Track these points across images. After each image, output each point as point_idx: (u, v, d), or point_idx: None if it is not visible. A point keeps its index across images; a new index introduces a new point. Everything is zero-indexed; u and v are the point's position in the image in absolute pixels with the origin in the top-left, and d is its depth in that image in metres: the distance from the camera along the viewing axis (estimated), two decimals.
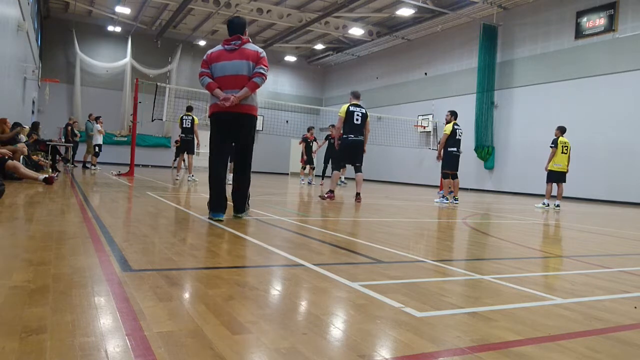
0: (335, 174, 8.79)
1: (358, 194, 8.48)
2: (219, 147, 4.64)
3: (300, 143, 15.73)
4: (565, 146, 10.22)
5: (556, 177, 10.29)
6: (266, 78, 4.57)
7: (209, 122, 4.78)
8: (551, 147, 10.26)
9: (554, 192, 10.40)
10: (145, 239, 3.30)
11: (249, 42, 4.60)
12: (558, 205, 10.11)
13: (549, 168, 10.31)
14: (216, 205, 4.55)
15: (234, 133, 4.64)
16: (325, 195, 8.47)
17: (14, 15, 11.59)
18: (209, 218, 4.56)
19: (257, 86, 4.50)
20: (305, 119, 23.18)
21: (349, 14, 20.31)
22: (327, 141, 15.15)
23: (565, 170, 10.29)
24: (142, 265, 2.48)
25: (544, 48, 16.23)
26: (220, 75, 4.53)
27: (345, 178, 15.13)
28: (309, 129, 15.83)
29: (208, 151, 4.81)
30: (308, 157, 15.34)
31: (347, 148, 8.47)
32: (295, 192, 10.80)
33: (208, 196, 4.69)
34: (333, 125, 15.48)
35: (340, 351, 1.49)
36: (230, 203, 4.77)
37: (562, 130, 10.31)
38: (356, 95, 8.67)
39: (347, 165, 9.28)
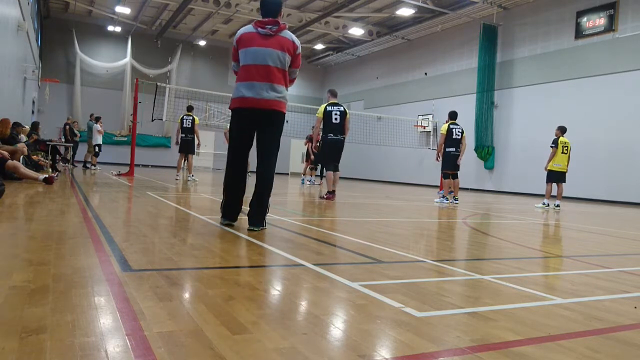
0: (329, 174, 8.74)
1: (333, 192, 8.54)
2: (240, 145, 4.08)
3: (306, 143, 15.70)
4: (565, 146, 10.22)
5: (556, 177, 10.29)
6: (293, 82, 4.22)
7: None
8: (551, 147, 10.27)
9: (554, 192, 10.41)
10: (145, 239, 3.30)
11: (286, 28, 4.05)
12: (558, 205, 10.11)
13: (549, 168, 10.32)
14: (232, 209, 4.10)
15: (259, 131, 4.07)
16: (325, 196, 8.49)
17: (14, 15, 11.59)
18: (220, 223, 4.18)
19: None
20: (305, 119, 23.15)
21: (349, 14, 20.31)
22: (310, 142, 15.24)
23: (565, 170, 10.30)
24: (142, 265, 2.48)
25: (544, 48, 16.23)
26: (250, 62, 3.94)
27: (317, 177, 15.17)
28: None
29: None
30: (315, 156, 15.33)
31: (330, 147, 8.52)
32: (295, 192, 10.80)
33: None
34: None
35: (340, 351, 1.49)
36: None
37: (562, 130, 10.31)
38: (333, 94, 8.67)
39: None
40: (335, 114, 8.40)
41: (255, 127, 4.06)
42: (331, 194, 8.47)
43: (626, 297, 2.45)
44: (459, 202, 9.87)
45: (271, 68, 3.92)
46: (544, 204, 10.19)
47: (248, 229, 3.96)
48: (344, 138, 8.56)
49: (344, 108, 8.56)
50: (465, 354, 1.51)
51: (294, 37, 4.05)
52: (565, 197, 12.74)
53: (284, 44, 3.96)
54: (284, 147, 20.62)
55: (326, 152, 8.66)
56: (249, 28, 4.03)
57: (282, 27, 4.00)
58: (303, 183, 14.87)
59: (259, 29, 3.96)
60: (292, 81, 4.15)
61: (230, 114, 4.21)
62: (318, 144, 9.07)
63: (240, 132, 4.07)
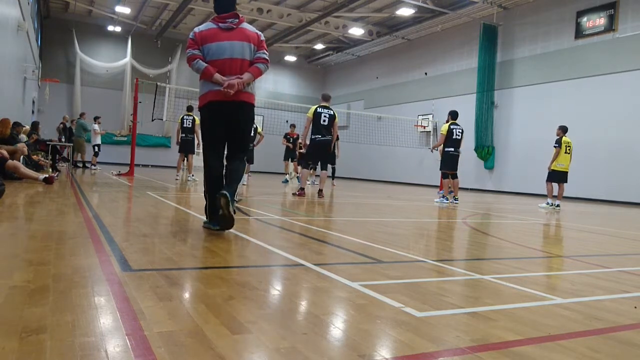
0: (305, 172, 9.22)
1: (320, 191, 8.93)
2: (216, 143, 3.97)
3: (283, 142, 15.75)
4: (568, 146, 10.13)
5: (558, 177, 10.21)
6: (269, 64, 4.00)
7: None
8: (555, 146, 10.17)
9: (555, 192, 10.36)
10: (145, 238, 3.30)
11: (245, 20, 4.03)
12: (558, 205, 10.07)
13: (552, 168, 10.21)
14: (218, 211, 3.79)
15: (234, 125, 3.95)
16: (297, 193, 8.84)
17: (14, 15, 11.59)
18: (204, 226, 3.97)
19: (261, 73, 3.94)
20: (305, 119, 23.29)
21: (349, 13, 20.31)
22: (286, 139, 15.30)
23: (567, 170, 10.22)
24: (142, 265, 2.48)
25: (544, 48, 16.23)
26: (216, 57, 3.82)
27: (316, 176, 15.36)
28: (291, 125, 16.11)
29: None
30: (291, 153, 15.41)
31: (314, 148, 8.82)
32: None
33: (206, 199, 4.00)
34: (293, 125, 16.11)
35: (340, 351, 1.49)
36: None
37: (564, 130, 10.23)
38: (325, 98, 9.07)
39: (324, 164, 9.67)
40: (324, 116, 8.71)
41: (227, 121, 3.93)
42: (302, 190, 8.89)
43: (626, 297, 2.45)
44: (459, 202, 9.87)
45: (238, 61, 3.85)
46: (547, 203, 10.10)
47: (221, 194, 3.56)
48: (331, 138, 8.86)
49: (333, 112, 8.85)
50: (465, 354, 1.51)
51: (254, 28, 4.03)
52: (565, 197, 12.71)
53: (248, 35, 3.92)
54: (284, 147, 20.40)
55: (310, 152, 8.99)
56: (207, 25, 3.94)
57: (242, 20, 3.98)
58: (286, 182, 14.67)
59: (220, 24, 3.90)
60: (263, 60, 3.93)
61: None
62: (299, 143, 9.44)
63: (213, 127, 3.94)
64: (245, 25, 3.99)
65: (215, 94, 3.82)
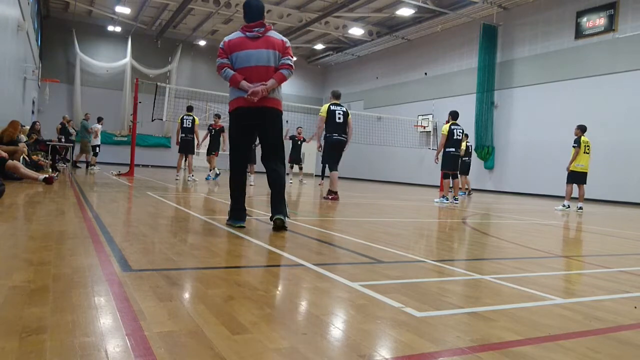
0: (334, 174, 8.61)
1: (333, 192, 8.43)
2: (242, 146, 4.18)
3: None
4: (587, 145, 9.87)
5: (578, 178, 9.89)
6: (293, 70, 4.15)
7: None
8: (574, 146, 9.88)
9: (575, 194, 10.05)
10: (145, 239, 3.30)
11: (271, 29, 4.18)
12: (581, 208, 9.71)
13: (571, 169, 9.94)
14: (240, 210, 4.14)
15: (260, 130, 4.16)
16: (329, 197, 8.36)
17: (14, 15, 11.59)
18: (227, 224, 4.16)
19: (285, 78, 4.08)
20: (305, 119, 23.19)
21: (349, 13, 20.32)
22: (292, 140, 15.01)
23: (587, 171, 9.93)
24: (142, 265, 2.47)
25: (544, 48, 16.23)
26: (244, 65, 4.03)
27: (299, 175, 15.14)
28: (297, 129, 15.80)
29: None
30: (296, 156, 15.30)
31: (331, 147, 8.52)
32: (294, 192, 10.80)
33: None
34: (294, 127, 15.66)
35: (340, 351, 1.49)
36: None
37: (582, 130, 9.92)
38: (336, 95, 8.71)
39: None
40: (339, 114, 8.44)
41: (255, 127, 4.18)
42: (335, 194, 8.40)
43: (626, 297, 2.45)
44: (459, 202, 9.86)
45: (264, 68, 4.03)
46: (564, 205, 9.77)
47: (276, 218, 4.01)
48: (347, 139, 8.57)
49: (346, 109, 8.61)
50: (465, 354, 1.51)
51: (281, 35, 4.19)
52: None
53: (274, 43, 4.09)
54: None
55: (330, 151, 8.60)
56: (236, 34, 4.16)
57: (269, 28, 4.14)
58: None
59: (247, 32, 4.10)
60: (287, 67, 4.07)
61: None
62: (317, 143, 9.10)
63: (240, 132, 4.17)
64: (272, 33, 4.16)
65: (241, 101, 4.02)
